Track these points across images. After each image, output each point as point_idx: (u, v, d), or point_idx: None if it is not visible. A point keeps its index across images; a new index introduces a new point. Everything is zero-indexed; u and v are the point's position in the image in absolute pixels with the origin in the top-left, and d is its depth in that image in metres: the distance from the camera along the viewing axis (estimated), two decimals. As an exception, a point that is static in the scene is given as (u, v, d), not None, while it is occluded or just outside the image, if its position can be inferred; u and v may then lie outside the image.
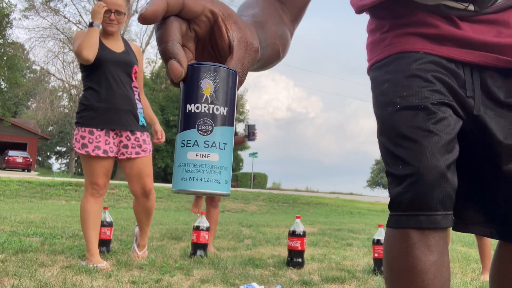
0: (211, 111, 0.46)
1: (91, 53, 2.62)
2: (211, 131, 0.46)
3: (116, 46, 2.80)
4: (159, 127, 3.07)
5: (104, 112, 2.69)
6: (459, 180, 0.95)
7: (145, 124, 2.89)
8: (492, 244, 2.80)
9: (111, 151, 2.72)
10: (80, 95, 2.81)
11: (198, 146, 0.46)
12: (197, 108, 0.46)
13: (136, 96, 2.86)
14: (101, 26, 2.74)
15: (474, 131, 0.97)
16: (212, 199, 3.65)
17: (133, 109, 2.79)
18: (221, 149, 0.46)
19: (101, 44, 2.74)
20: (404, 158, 0.93)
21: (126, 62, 2.80)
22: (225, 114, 0.47)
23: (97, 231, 2.70)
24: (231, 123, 0.48)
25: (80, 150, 2.66)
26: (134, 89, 2.84)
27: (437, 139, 0.91)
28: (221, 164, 0.46)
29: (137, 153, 2.78)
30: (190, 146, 0.46)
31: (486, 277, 2.85)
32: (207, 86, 0.46)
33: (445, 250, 0.94)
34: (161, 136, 3.07)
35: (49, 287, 2.06)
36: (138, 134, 2.79)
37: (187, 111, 0.46)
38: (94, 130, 2.68)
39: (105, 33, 2.79)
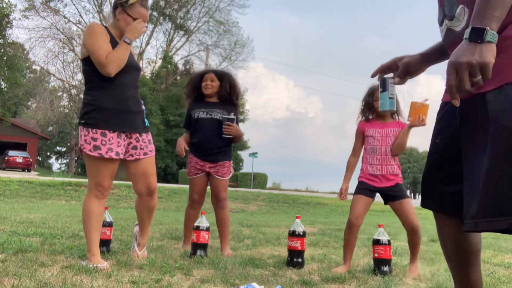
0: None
1: (115, 71, 2.60)
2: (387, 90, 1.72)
3: None
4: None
5: (116, 113, 2.65)
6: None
7: (148, 125, 2.89)
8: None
9: (122, 153, 2.70)
10: (86, 94, 2.71)
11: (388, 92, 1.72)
12: (383, 88, 1.73)
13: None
14: (105, 23, 2.73)
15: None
16: (217, 200, 3.60)
17: (142, 111, 2.79)
18: (391, 98, 1.72)
19: (115, 44, 2.68)
20: None
21: (136, 66, 2.79)
22: (391, 89, 1.72)
23: (99, 231, 2.69)
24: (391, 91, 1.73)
25: (92, 152, 2.59)
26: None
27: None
28: (391, 98, 1.72)
29: (145, 153, 2.79)
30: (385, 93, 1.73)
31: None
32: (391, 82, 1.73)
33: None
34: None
35: (49, 287, 2.06)
36: (144, 135, 2.80)
37: (382, 90, 1.73)
38: (107, 132, 2.63)
39: (121, 36, 2.74)
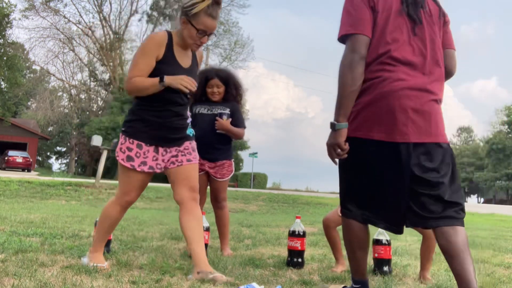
0: None
1: (131, 95, 2.53)
2: None
3: (186, 59, 2.58)
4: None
5: (158, 128, 2.52)
6: None
7: (194, 134, 2.74)
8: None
9: (158, 167, 2.57)
10: (135, 101, 2.59)
11: None
12: None
13: (188, 110, 2.72)
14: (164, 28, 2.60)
15: None
16: (216, 200, 3.57)
17: (185, 125, 2.65)
18: None
19: (171, 56, 2.51)
20: None
21: None
22: None
23: (109, 234, 2.68)
24: None
25: (125, 162, 2.51)
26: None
27: None
28: None
29: (188, 160, 2.60)
30: None
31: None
32: None
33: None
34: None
35: (49, 287, 2.06)
36: (187, 143, 2.65)
37: None
38: (143, 144, 2.52)
39: (185, 45, 2.55)
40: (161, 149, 2.57)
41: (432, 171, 1.90)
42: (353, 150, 1.94)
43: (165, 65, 2.49)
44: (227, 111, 3.50)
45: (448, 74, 2.15)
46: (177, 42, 2.54)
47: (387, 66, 1.91)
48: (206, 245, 3.21)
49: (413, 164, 1.88)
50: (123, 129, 2.59)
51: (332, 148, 1.94)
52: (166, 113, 2.53)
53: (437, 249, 4.63)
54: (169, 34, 2.54)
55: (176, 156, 2.59)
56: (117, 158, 2.55)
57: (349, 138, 1.94)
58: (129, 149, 2.52)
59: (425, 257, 2.87)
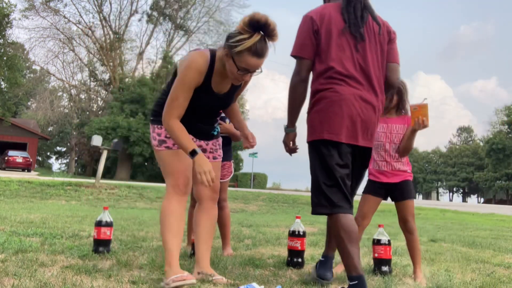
0: None
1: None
2: None
3: (224, 86, 2.45)
4: (249, 131, 2.73)
5: (183, 123, 2.38)
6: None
7: (219, 132, 2.72)
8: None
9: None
10: (163, 95, 2.49)
11: None
12: None
13: (218, 116, 2.68)
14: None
15: None
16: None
17: (210, 130, 2.62)
18: None
19: (208, 85, 2.38)
20: None
21: (220, 106, 2.54)
22: None
23: (179, 238, 2.33)
24: None
25: (159, 147, 2.42)
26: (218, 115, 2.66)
27: None
28: None
29: (214, 157, 2.62)
30: None
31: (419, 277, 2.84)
32: None
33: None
34: (253, 139, 2.68)
35: (49, 287, 2.06)
36: (214, 140, 2.65)
37: None
38: None
39: (224, 73, 2.38)
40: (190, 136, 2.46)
41: (364, 168, 2.40)
42: (315, 152, 2.25)
43: (199, 93, 2.37)
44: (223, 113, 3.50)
45: (391, 86, 2.40)
46: (218, 68, 2.37)
47: (334, 80, 2.21)
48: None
49: (353, 161, 2.28)
50: (151, 118, 2.54)
51: (285, 143, 2.44)
52: (191, 122, 2.46)
53: (438, 249, 4.64)
54: (212, 59, 2.35)
55: (205, 151, 2.59)
56: (153, 147, 2.49)
57: (310, 143, 2.28)
58: (159, 134, 2.46)
59: (413, 254, 2.89)
